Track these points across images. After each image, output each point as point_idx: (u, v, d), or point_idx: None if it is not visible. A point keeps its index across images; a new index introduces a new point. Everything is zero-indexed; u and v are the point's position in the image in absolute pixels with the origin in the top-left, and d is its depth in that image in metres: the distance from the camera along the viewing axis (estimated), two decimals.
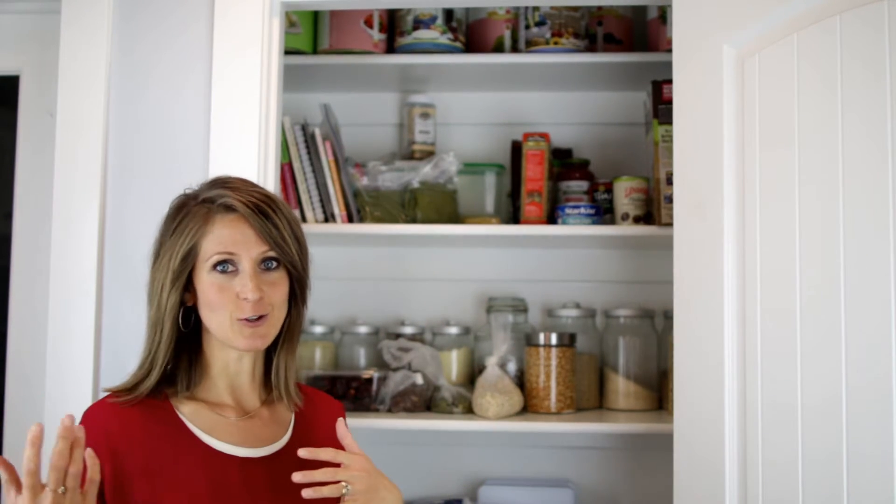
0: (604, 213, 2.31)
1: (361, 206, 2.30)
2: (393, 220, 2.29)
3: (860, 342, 1.28)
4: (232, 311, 1.40)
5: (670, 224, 1.74)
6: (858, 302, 1.28)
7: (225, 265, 1.40)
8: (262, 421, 1.49)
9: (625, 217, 2.25)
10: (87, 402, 1.98)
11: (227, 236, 1.40)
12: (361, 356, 2.43)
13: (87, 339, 1.97)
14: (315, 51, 2.41)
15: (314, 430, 1.53)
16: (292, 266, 1.46)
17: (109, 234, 2.00)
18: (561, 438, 2.48)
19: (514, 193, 2.41)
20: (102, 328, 1.99)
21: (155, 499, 1.36)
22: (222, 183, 1.45)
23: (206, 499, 1.39)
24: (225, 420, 1.45)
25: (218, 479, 1.40)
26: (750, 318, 1.46)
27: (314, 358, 2.41)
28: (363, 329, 2.44)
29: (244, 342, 1.41)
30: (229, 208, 1.41)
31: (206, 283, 1.41)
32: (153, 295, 1.44)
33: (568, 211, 2.25)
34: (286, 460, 1.46)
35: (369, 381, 2.24)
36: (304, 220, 2.28)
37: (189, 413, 1.44)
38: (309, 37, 2.40)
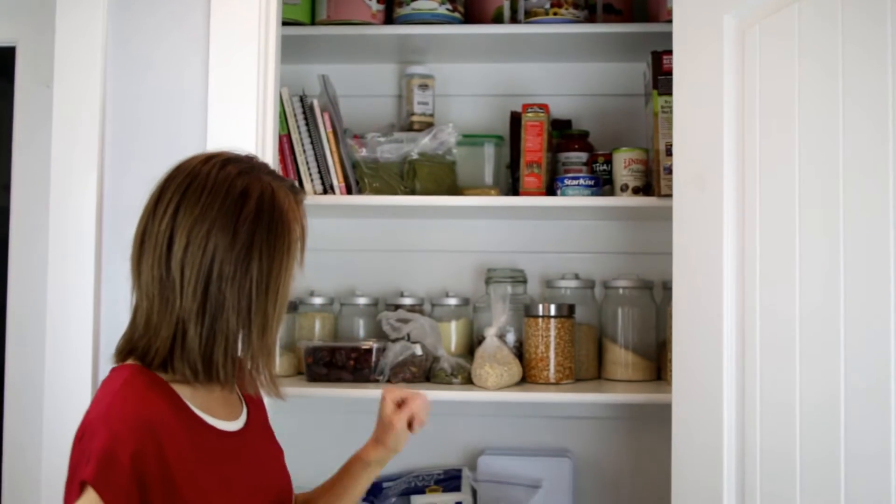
0: (603, 184, 2.30)
1: (360, 178, 2.30)
2: (392, 191, 2.29)
3: (859, 311, 1.28)
4: None
5: (670, 195, 1.74)
6: (858, 270, 1.29)
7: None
8: (229, 389, 1.48)
9: (624, 188, 2.25)
10: (87, 371, 1.99)
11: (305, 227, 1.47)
12: (361, 327, 2.44)
13: (86, 310, 1.97)
14: (313, 21, 2.39)
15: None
16: None
17: (108, 205, 2.00)
18: (560, 408, 2.49)
19: (513, 165, 2.40)
20: (101, 300, 1.99)
21: (198, 497, 1.34)
22: (276, 174, 1.46)
23: (223, 486, 1.40)
24: (212, 395, 1.43)
25: (224, 462, 1.42)
26: (749, 289, 1.47)
27: (314, 329, 2.42)
28: (362, 300, 2.45)
29: None
30: (299, 203, 1.46)
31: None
32: (273, 284, 1.39)
33: (567, 182, 2.25)
34: (255, 424, 1.51)
35: (368, 351, 2.25)
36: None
37: (189, 395, 1.40)
38: (307, 7, 2.38)
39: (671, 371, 1.66)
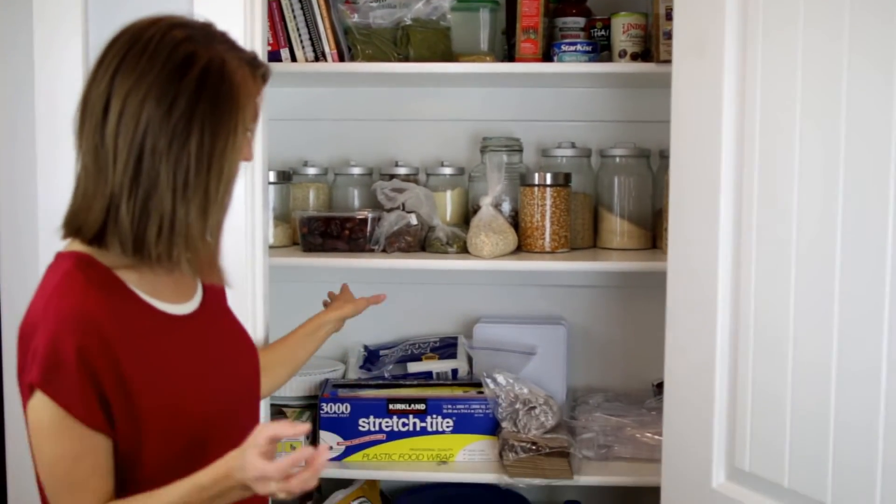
0: (601, 50, 2.26)
1: (353, 44, 2.25)
2: (385, 58, 2.24)
3: (858, 177, 1.27)
4: None
5: (669, 61, 1.70)
6: (858, 151, 1.27)
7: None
8: (180, 272, 1.38)
9: (622, 54, 2.21)
10: None
11: (260, 104, 1.38)
12: (355, 197, 2.43)
13: None
14: None
15: None
16: None
17: None
18: (555, 277, 2.51)
19: (509, 30, 2.34)
20: None
21: (149, 384, 1.31)
22: (234, 45, 1.36)
23: (181, 369, 1.37)
24: (159, 279, 1.38)
25: (180, 345, 1.39)
26: (748, 155, 1.45)
27: (308, 199, 2.41)
28: (357, 170, 2.43)
29: None
30: (264, 79, 1.38)
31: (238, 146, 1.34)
32: (216, 163, 1.29)
33: (564, 48, 2.20)
34: (211, 305, 1.49)
35: (364, 221, 2.24)
36: (293, 59, 2.23)
37: (135, 281, 1.35)
38: None
39: (666, 240, 1.66)
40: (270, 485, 1.22)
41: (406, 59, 2.25)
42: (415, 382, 2.32)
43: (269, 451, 1.24)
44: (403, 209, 2.26)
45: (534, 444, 2.12)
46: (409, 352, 2.45)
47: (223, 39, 1.34)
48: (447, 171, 2.39)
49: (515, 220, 2.29)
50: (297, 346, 1.86)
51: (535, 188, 2.22)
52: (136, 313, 1.34)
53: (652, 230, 2.36)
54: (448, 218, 2.35)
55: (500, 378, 2.24)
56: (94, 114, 1.28)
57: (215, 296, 1.53)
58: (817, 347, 1.33)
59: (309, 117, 2.52)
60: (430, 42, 2.26)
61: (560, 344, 2.39)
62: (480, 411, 2.21)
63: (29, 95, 2.02)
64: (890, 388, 1.24)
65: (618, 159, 2.36)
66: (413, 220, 2.25)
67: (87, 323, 1.25)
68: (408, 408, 2.20)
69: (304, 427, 1.24)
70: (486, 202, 2.22)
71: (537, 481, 2.12)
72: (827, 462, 1.32)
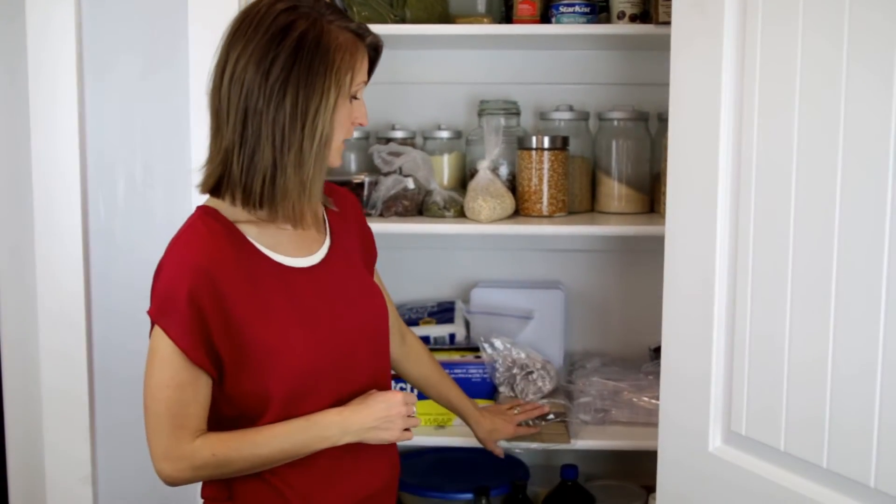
0: (599, 11, 2.23)
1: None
2: (381, 19, 2.22)
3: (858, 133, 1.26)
4: (345, 134, 1.54)
5: (668, 23, 1.68)
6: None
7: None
8: (305, 226, 1.55)
9: (621, 15, 2.18)
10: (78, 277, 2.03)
11: (365, 70, 1.55)
12: (352, 161, 2.41)
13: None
14: None
15: (345, 224, 1.68)
16: None
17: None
18: (552, 241, 2.50)
19: None
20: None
21: (256, 329, 1.46)
22: (342, 15, 1.51)
23: (292, 317, 1.50)
24: (284, 233, 1.53)
25: (294, 295, 1.52)
26: (747, 117, 1.43)
27: None
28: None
29: (339, 160, 1.54)
30: (373, 49, 1.57)
31: (346, 109, 1.51)
32: (310, 121, 1.43)
33: (562, 9, 2.18)
34: (336, 261, 1.61)
35: (360, 185, 2.23)
36: None
37: (255, 234, 1.51)
38: None
39: (664, 204, 1.65)
40: (397, 408, 1.54)
41: (403, 20, 2.23)
42: None
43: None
44: (400, 173, 2.25)
45: None
46: (407, 316, 2.45)
47: (330, 10, 1.48)
48: (444, 134, 2.38)
49: (513, 184, 2.28)
50: (434, 384, 1.97)
51: (533, 152, 2.21)
52: (250, 263, 1.49)
53: (650, 194, 2.35)
54: (445, 182, 2.33)
55: (498, 343, 2.24)
56: (214, 79, 1.46)
57: (344, 252, 1.64)
58: (815, 309, 1.33)
59: None
60: (427, 3, 2.23)
61: (557, 308, 2.39)
62: (478, 376, 2.21)
63: (24, 97, 2.02)
64: (887, 352, 1.23)
65: (616, 122, 2.34)
66: (410, 184, 2.23)
67: (200, 268, 1.42)
68: None
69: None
70: (483, 166, 2.21)
71: (534, 445, 2.12)
72: (823, 425, 1.32)
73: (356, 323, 1.60)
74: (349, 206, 1.72)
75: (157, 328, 1.44)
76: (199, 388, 1.46)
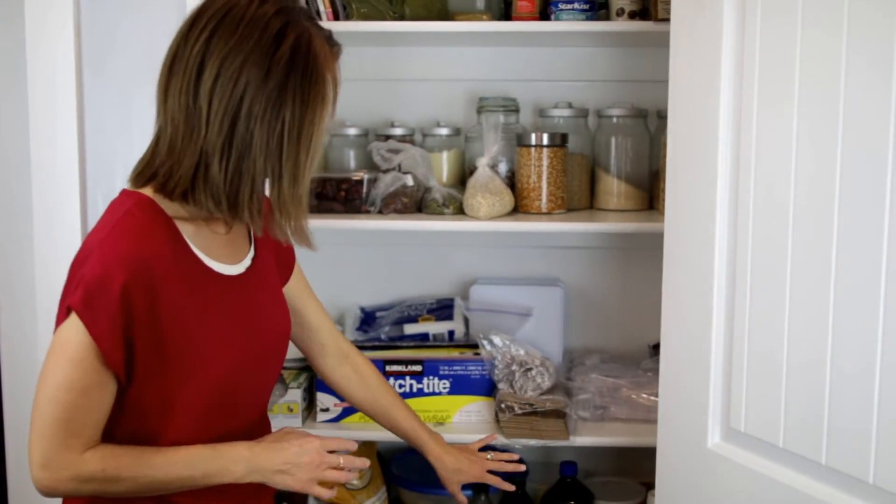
0: (598, 8, 2.23)
1: (347, 3, 2.22)
2: (380, 16, 2.22)
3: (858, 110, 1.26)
4: None
5: (667, 20, 1.68)
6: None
7: None
8: (235, 233, 1.47)
9: (620, 13, 2.18)
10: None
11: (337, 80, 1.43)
12: (351, 158, 2.41)
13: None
14: None
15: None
16: None
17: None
18: (551, 238, 2.50)
19: None
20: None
21: (182, 336, 1.36)
22: (315, 20, 1.41)
23: (220, 328, 1.41)
24: (216, 237, 1.43)
25: (223, 304, 1.43)
26: (746, 113, 1.44)
27: None
28: (352, 131, 2.41)
29: None
30: (335, 56, 1.42)
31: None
32: (305, 132, 1.34)
33: (561, 6, 2.17)
34: (257, 272, 1.51)
35: (359, 182, 2.23)
36: None
37: (191, 234, 1.39)
38: None
39: (663, 201, 1.65)
40: (309, 456, 1.41)
41: (402, 17, 2.22)
42: (411, 344, 2.32)
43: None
44: (399, 170, 2.24)
45: (530, 405, 2.12)
46: (406, 313, 2.45)
47: (308, 16, 1.39)
48: (443, 131, 2.37)
49: (512, 181, 2.28)
50: (382, 409, 1.80)
51: (532, 149, 2.21)
52: (185, 264, 1.38)
53: (649, 191, 2.35)
54: (444, 179, 2.33)
55: (497, 339, 2.24)
56: (186, 72, 1.31)
57: (264, 262, 1.54)
58: (814, 308, 1.33)
59: None
60: (426, 0, 2.23)
61: (556, 305, 2.39)
62: (477, 373, 2.21)
63: (23, 94, 2.02)
64: (886, 349, 1.23)
65: (615, 119, 2.34)
66: (409, 181, 2.23)
67: (138, 264, 1.30)
68: (404, 369, 2.20)
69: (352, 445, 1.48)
70: (482, 163, 2.21)
71: (533, 442, 2.12)
72: (822, 422, 1.32)
73: (269, 340, 1.52)
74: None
75: (71, 321, 1.29)
76: (105, 395, 1.33)
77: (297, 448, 1.41)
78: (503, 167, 2.30)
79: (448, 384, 2.20)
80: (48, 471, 1.31)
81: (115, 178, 2.10)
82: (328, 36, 1.40)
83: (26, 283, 2.10)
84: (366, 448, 2.37)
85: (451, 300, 2.49)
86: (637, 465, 2.41)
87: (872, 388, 1.25)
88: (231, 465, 1.38)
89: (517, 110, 2.38)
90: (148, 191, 1.37)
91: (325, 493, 1.47)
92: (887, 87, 1.21)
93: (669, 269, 1.63)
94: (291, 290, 1.67)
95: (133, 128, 2.10)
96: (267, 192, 1.38)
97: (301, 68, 1.33)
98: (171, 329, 1.34)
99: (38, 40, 1.98)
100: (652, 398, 2.16)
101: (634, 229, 2.18)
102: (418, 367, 2.20)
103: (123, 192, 1.40)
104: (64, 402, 1.30)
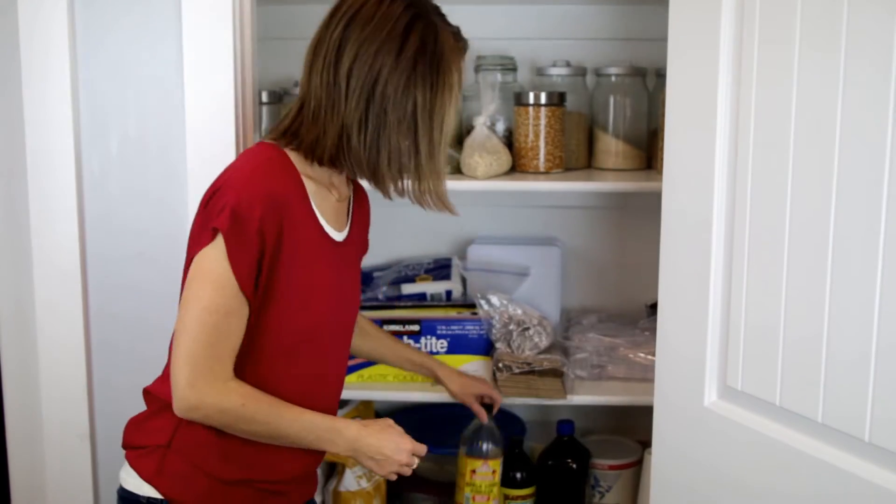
0: None
1: None
2: None
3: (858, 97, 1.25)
4: None
5: None
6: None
7: None
8: (341, 203, 1.63)
9: None
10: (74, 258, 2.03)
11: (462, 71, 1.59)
12: None
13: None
14: None
15: (360, 217, 1.73)
16: None
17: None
18: (549, 198, 2.49)
19: None
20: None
21: (292, 277, 1.49)
22: (443, 16, 1.57)
23: (321, 278, 1.56)
24: (329, 201, 1.59)
25: (325, 260, 1.57)
26: (745, 70, 1.42)
27: None
28: None
29: None
30: (463, 52, 1.59)
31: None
32: (437, 114, 1.51)
33: None
34: (350, 245, 1.66)
35: None
36: None
37: (313, 191, 1.54)
38: None
39: (661, 160, 1.64)
40: (401, 456, 1.56)
41: None
42: (409, 304, 2.33)
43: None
44: None
45: (527, 364, 2.13)
46: (403, 273, 2.45)
47: (437, 12, 1.55)
48: None
49: (509, 140, 2.27)
50: (389, 349, 2.01)
51: (530, 108, 2.19)
52: (305, 216, 1.53)
53: (647, 150, 2.34)
54: None
55: (494, 299, 2.25)
56: (327, 54, 1.49)
57: (354, 239, 1.68)
58: (812, 265, 1.33)
59: (300, 36, 2.46)
60: None
61: (554, 265, 2.39)
62: (474, 332, 2.21)
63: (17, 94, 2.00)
64: (883, 306, 1.23)
65: (613, 78, 2.32)
66: None
67: (274, 203, 1.44)
68: (402, 329, 2.20)
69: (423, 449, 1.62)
70: (479, 122, 2.19)
71: (531, 400, 2.13)
72: (818, 380, 1.33)
73: (349, 308, 1.68)
74: (366, 204, 1.78)
75: (216, 245, 1.41)
76: (243, 320, 1.45)
77: (395, 446, 1.56)
78: (501, 126, 2.29)
79: (446, 343, 2.21)
80: (195, 390, 1.41)
81: (110, 140, 2.08)
82: (455, 32, 1.56)
83: (24, 276, 2.09)
84: (363, 407, 2.38)
85: (449, 260, 2.49)
86: (634, 424, 2.43)
87: (870, 346, 1.25)
88: (338, 440, 1.53)
89: (515, 69, 2.36)
90: (281, 143, 1.54)
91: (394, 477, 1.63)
92: (889, 39, 1.20)
93: (667, 229, 1.62)
94: None
95: (129, 113, 2.07)
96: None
97: (429, 58, 1.49)
98: (285, 269, 1.47)
99: (32, 27, 1.96)
100: (649, 357, 2.17)
101: (632, 188, 2.18)
102: (416, 327, 2.20)
103: (261, 143, 1.56)
104: (210, 324, 1.41)
